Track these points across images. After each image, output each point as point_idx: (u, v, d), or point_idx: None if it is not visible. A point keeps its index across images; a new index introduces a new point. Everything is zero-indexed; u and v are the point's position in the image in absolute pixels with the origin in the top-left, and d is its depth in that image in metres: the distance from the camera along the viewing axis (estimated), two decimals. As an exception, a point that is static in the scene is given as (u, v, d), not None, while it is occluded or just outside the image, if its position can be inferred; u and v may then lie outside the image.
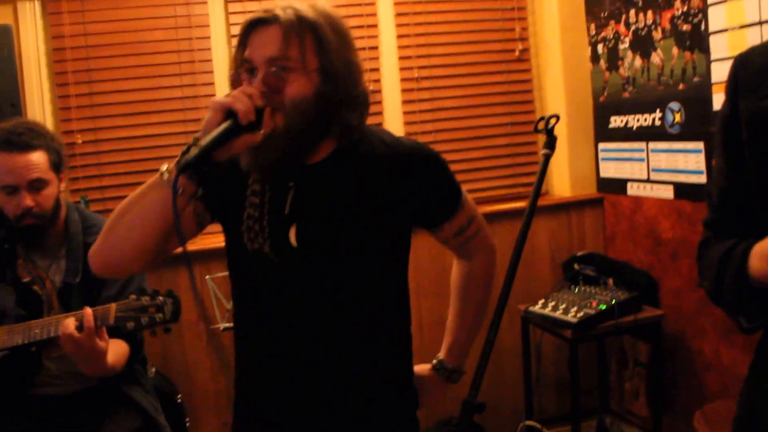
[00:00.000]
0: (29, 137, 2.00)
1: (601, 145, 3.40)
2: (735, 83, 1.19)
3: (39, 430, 2.04)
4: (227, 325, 2.57)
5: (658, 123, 2.99)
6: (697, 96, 2.74)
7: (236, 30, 3.08)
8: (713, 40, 2.62)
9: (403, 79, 3.34)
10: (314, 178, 1.33)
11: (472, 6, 3.41)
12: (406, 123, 3.35)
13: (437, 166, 1.43)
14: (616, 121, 3.27)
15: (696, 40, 2.72)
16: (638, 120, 3.11)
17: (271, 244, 1.32)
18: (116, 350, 1.94)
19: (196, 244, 2.68)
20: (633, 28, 3.09)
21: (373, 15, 3.29)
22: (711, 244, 1.21)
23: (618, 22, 3.18)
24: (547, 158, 1.69)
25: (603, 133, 3.37)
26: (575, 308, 2.83)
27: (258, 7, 3.14)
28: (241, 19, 3.13)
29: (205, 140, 1.15)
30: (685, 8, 2.76)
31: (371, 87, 1.40)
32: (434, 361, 1.60)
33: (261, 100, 1.20)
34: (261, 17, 1.26)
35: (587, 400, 3.31)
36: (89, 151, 3.02)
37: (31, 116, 2.95)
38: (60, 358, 1.97)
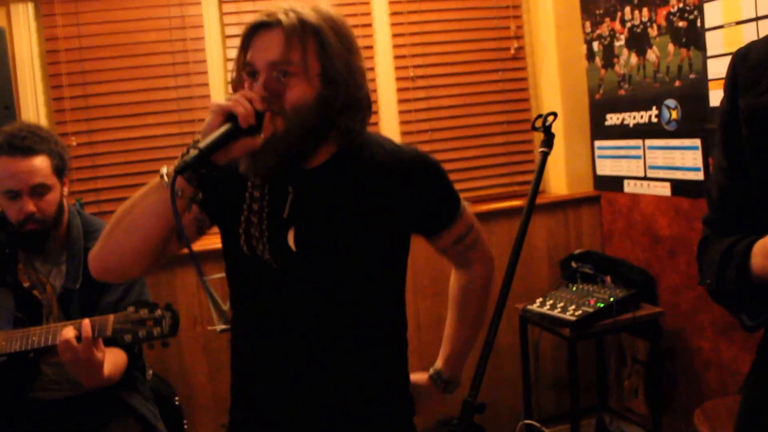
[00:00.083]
0: (32, 141, 1.97)
1: (598, 143, 3.39)
2: (734, 79, 1.18)
3: None
4: (224, 326, 2.56)
5: (654, 120, 2.98)
6: (693, 93, 2.74)
7: (231, 30, 3.12)
8: (709, 37, 2.62)
9: (398, 79, 3.33)
10: (314, 182, 1.33)
11: (467, 4, 3.40)
12: (402, 122, 3.34)
13: (437, 175, 1.43)
14: (612, 119, 3.26)
15: (692, 36, 2.72)
16: (634, 117, 3.11)
17: (269, 248, 1.31)
18: (114, 360, 1.93)
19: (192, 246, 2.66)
20: (628, 25, 3.08)
21: (368, 14, 3.29)
22: (711, 242, 1.20)
23: (613, 19, 3.17)
24: (545, 156, 1.67)
25: (599, 130, 3.37)
26: (573, 306, 2.82)
27: (252, 7, 3.14)
28: (236, 19, 3.13)
29: (204, 142, 1.14)
30: (681, 5, 2.75)
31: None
32: (431, 371, 1.60)
33: (261, 105, 1.20)
34: (264, 21, 1.25)
35: (586, 398, 3.30)
36: (84, 153, 3.00)
37: (25, 119, 2.93)
38: (58, 364, 1.96)
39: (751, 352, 1.90)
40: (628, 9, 3.07)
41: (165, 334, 1.82)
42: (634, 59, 3.08)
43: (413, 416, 1.52)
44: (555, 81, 3.42)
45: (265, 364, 1.39)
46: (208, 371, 3.05)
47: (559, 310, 2.84)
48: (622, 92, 3.18)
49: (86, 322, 1.77)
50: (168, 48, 3.09)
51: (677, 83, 2.83)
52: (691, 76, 2.74)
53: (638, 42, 3.04)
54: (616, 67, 3.19)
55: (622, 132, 3.19)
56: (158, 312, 1.82)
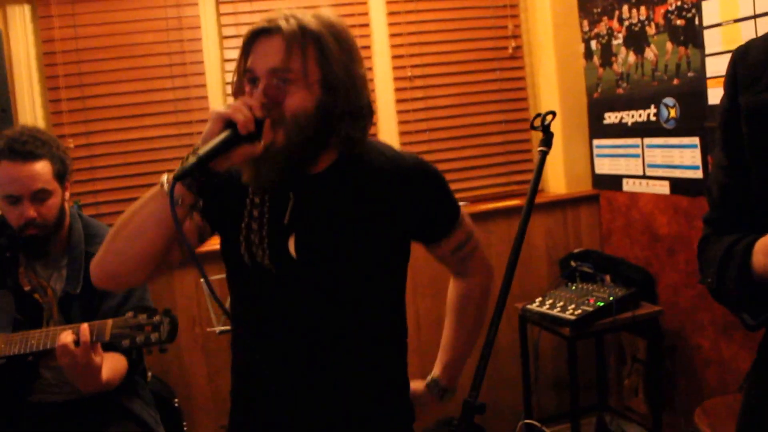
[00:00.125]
0: (33, 146, 1.96)
1: (596, 142, 3.39)
2: (734, 77, 1.18)
3: None
4: (223, 328, 2.56)
5: (653, 119, 2.98)
6: (691, 91, 2.74)
7: (228, 31, 3.11)
8: (707, 35, 2.61)
9: (396, 79, 3.32)
10: (314, 189, 1.33)
11: (464, 4, 3.40)
12: (400, 122, 3.33)
13: (437, 182, 1.42)
14: (610, 118, 3.26)
15: (690, 34, 2.71)
16: (633, 116, 3.10)
17: (270, 254, 1.31)
18: (113, 365, 1.92)
19: (190, 248, 2.66)
20: (626, 23, 3.08)
21: (365, 14, 3.28)
22: (712, 240, 1.20)
23: (611, 18, 3.17)
24: (544, 155, 1.67)
25: (597, 129, 3.37)
26: (573, 306, 2.82)
27: (249, 8, 3.13)
28: (233, 20, 3.13)
29: (203, 150, 1.14)
30: (679, 3, 2.75)
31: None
32: (428, 379, 1.60)
33: (261, 112, 1.19)
34: (264, 27, 1.25)
35: (586, 397, 3.30)
36: (82, 155, 2.99)
37: (22, 121, 2.92)
38: (57, 367, 1.95)
39: (751, 350, 1.89)
40: (625, 7, 3.07)
41: (163, 340, 1.81)
42: (632, 58, 3.07)
43: (413, 422, 1.52)
44: (553, 80, 3.41)
45: (265, 368, 1.39)
46: (207, 373, 3.05)
47: (558, 309, 2.83)
48: (620, 91, 3.17)
49: (84, 326, 1.77)
50: (165, 49, 3.08)
51: (675, 81, 2.83)
52: (690, 74, 2.74)
53: (636, 40, 3.03)
54: (614, 66, 3.19)
55: (621, 131, 3.19)
56: (156, 318, 1.81)
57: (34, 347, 1.86)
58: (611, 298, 2.81)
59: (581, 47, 3.40)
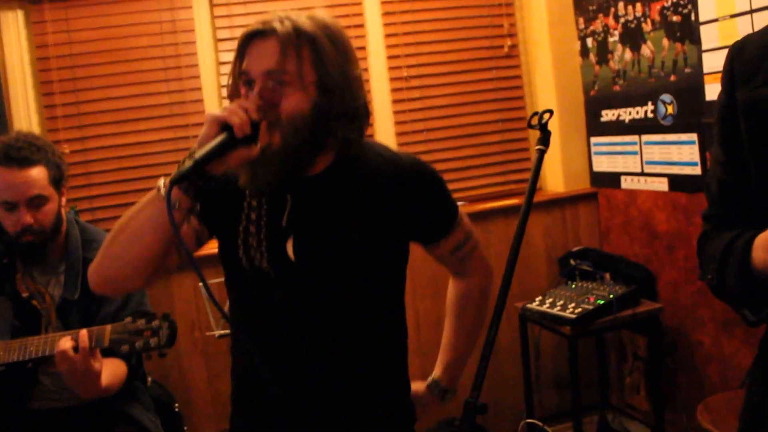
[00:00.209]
0: (29, 152, 1.94)
1: (594, 140, 3.38)
2: (731, 73, 1.17)
3: None
4: (223, 332, 2.54)
5: (650, 115, 2.97)
6: (689, 87, 2.73)
7: (222, 34, 3.10)
8: (704, 31, 2.61)
9: (392, 79, 3.32)
10: (312, 191, 1.32)
11: (460, 3, 3.39)
12: (397, 123, 3.32)
13: (435, 183, 1.42)
14: (607, 115, 3.25)
15: (686, 30, 2.71)
16: (630, 113, 3.10)
17: (268, 257, 1.31)
18: (113, 371, 1.91)
19: (188, 252, 2.65)
20: (622, 20, 3.07)
21: (360, 15, 3.27)
22: (711, 237, 1.19)
23: (607, 15, 3.16)
24: (542, 154, 1.66)
25: (595, 127, 3.36)
26: (573, 304, 2.81)
27: (243, 10, 3.12)
28: (227, 23, 3.12)
29: (200, 153, 1.14)
30: (674, -1, 2.75)
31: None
32: (429, 380, 1.60)
33: (257, 114, 1.19)
34: (258, 29, 1.24)
35: (587, 395, 3.29)
36: (77, 161, 2.98)
37: (17, 126, 2.91)
38: (56, 374, 1.94)
39: (752, 346, 1.87)
40: (621, 4, 3.06)
41: (162, 345, 1.80)
42: (628, 55, 3.07)
43: (414, 423, 1.51)
44: (549, 78, 3.41)
45: (264, 371, 1.38)
46: (206, 377, 3.04)
47: (558, 308, 2.83)
48: (617, 88, 3.16)
49: (83, 332, 1.75)
50: (159, 53, 3.07)
51: (672, 78, 2.82)
52: (687, 70, 2.73)
53: (632, 37, 3.03)
54: (611, 63, 3.18)
55: (618, 128, 3.18)
56: (155, 322, 1.80)
57: (32, 354, 1.85)
58: (611, 296, 2.80)
59: (577, 45, 3.39)
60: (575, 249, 3.28)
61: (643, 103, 3.00)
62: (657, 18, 2.86)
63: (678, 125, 2.82)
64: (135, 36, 3.05)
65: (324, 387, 1.35)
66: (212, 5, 3.12)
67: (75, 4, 2.99)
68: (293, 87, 1.22)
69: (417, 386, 1.59)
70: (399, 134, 3.32)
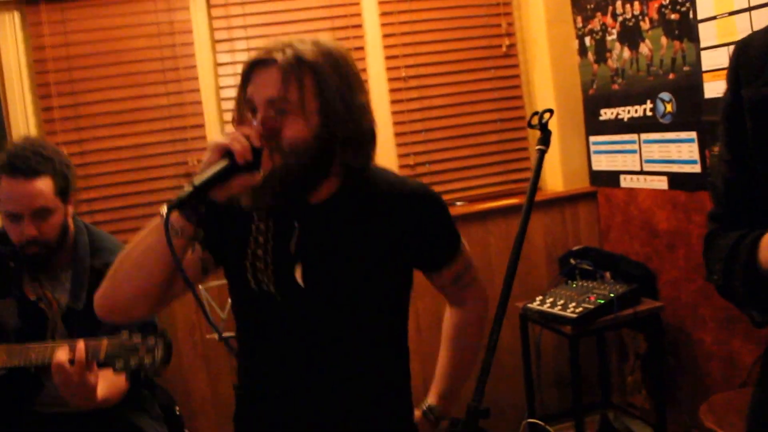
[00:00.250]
0: (35, 162, 1.89)
1: (593, 138, 3.38)
2: (736, 71, 1.16)
3: None
4: (225, 334, 2.53)
5: (649, 114, 2.97)
6: (687, 85, 2.72)
7: (220, 35, 3.10)
8: (702, 28, 2.60)
9: (390, 79, 3.31)
10: (319, 218, 1.33)
11: (457, 3, 3.38)
12: (396, 123, 3.32)
13: (440, 209, 1.43)
14: (606, 114, 3.25)
15: (685, 28, 2.70)
16: (629, 112, 3.09)
17: (276, 282, 1.32)
18: (111, 383, 1.88)
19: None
20: (620, 19, 3.07)
21: (358, 15, 3.26)
22: (717, 237, 1.18)
23: (605, 13, 3.16)
24: (542, 154, 1.65)
25: (594, 126, 3.35)
26: (573, 303, 2.80)
27: (241, 11, 3.11)
28: (225, 23, 3.11)
29: (199, 179, 1.15)
30: (673, -3, 2.74)
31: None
32: (424, 407, 1.60)
33: (259, 141, 1.19)
34: (261, 58, 1.25)
35: (589, 395, 3.29)
36: (76, 163, 2.89)
37: (14, 129, 2.90)
38: None
39: (754, 343, 1.86)
40: (619, 3, 3.05)
41: (157, 364, 1.75)
42: (626, 53, 3.06)
43: None
44: (548, 77, 3.40)
45: (271, 394, 1.39)
46: (207, 379, 3.03)
47: (559, 307, 2.82)
48: (615, 87, 3.16)
49: (81, 345, 1.72)
50: (157, 54, 3.06)
51: (671, 76, 2.81)
52: (685, 68, 2.73)
53: (630, 36, 3.02)
54: (609, 62, 3.18)
55: (617, 127, 3.17)
56: (151, 340, 1.74)
57: (33, 361, 1.82)
58: (612, 295, 2.80)
59: (575, 44, 3.38)
60: (575, 248, 3.27)
61: (642, 102, 3.00)
62: (655, 16, 2.86)
63: (677, 123, 2.82)
64: (132, 37, 3.04)
65: (332, 410, 1.36)
66: (209, 6, 3.11)
67: (72, 6, 2.97)
68: (295, 115, 1.23)
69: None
70: (398, 134, 3.31)
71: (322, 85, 1.24)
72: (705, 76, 2.63)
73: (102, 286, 1.31)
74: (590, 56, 3.30)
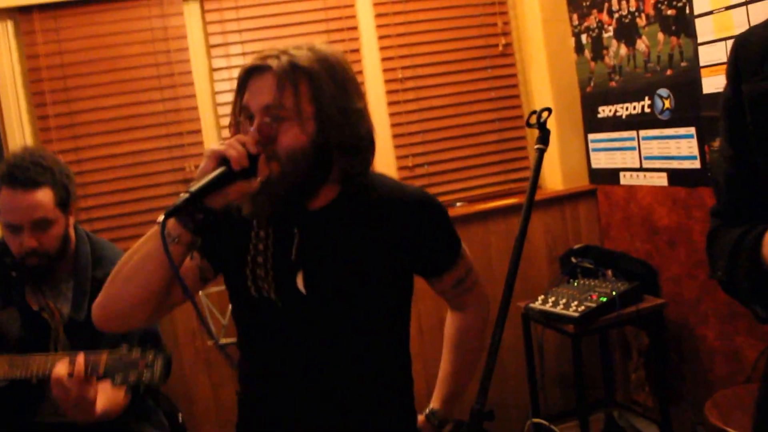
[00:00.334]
0: (35, 173, 1.87)
1: (591, 136, 3.36)
2: (735, 66, 1.15)
3: None
4: (225, 341, 2.52)
5: (647, 110, 2.96)
6: (685, 81, 2.71)
7: (215, 40, 3.08)
8: (699, 23, 2.59)
9: (387, 81, 3.30)
10: (318, 224, 1.33)
11: (452, 3, 3.37)
12: (393, 125, 3.30)
13: (440, 215, 1.43)
14: (604, 111, 3.24)
15: (681, 24, 2.69)
16: (627, 108, 3.08)
17: (276, 289, 1.31)
18: (111, 397, 1.86)
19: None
20: (616, 16, 3.06)
21: (353, 17, 3.25)
22: (720, 233, 1.17)
23: (601, 10, 3.15)
24: (541, 153, 1.64)
25: (592, 123, 3.34)
26: (576, 302, 2.79)
27: (235, 15, 3.10)
28: (219, 28, 3.10)
29: (195, 185, 1.15)
30: (669, -7, 2.73)
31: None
32: (426, 411, 1.59)
33: (255, 148, 1.20)
34: (256, 65, 1.25)
35: (593, 393, 3.28)
36: (72, 172, 2.95)
37: (10, 138, 2.88)
38: None
39: (757, 338, 1.85)
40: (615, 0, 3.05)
41: (155, 381, 1.72)
42: (623, 50, 3.05)
43: None
44: (545, 76, 3.39)
45: (272, 401, 1.39)
46: (209, 385, 3.01)
47: (561, 306, 2.81)
48: (613, 84, 3.15)
49: (80, 359, 1.71)
50: (152, 60, 3.05)
51: (669, 72, 2.80)
52: (683, 64, 2.72)
53: (627, 32, 3.01)
54: (606, 59, 3.17)
55: (616, 124, 3.16)
56: (150, 356, 1.73)
57: (33, 373, 1.81)
58: (614, 293, 2.79)
59: (572, 41, 3.37)
60: (576, 246, 3.26)
61: (640, 98, 2.99)
62: (651, 12, 2.85)
63: (676, 119, 2.81)
64: (127, 44, 3.03)
65: (332, 416, 1.35)
66: (203, 11, 3.10)
67: (65, 14, 2.96)
68: (291, 121, 1.23)
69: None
70: (395, 136, 3.30)
71: (318, 91, 1.24)
72: (703, 71, 2.62)
73: (100, 295, 1.30)
74: (587, 54, 3.29)
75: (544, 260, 3.37)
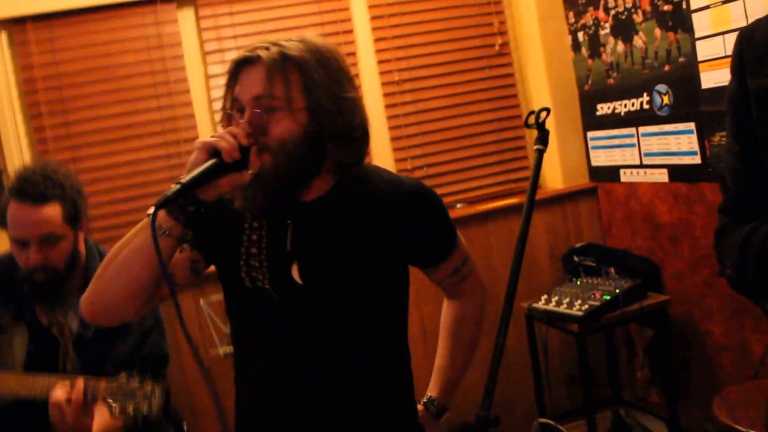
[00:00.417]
0: (44, 187, 1.85)
1: (590, 134, 3.35)
2: (740, 60, 1.14)
3: None
4: (228, 350, 2.51)
5: (646, 107, 2.94)
6: (684, 76, 2.70)
7: (210, 46, 3.07)
8: (696, 18, 2.58)
9: (383, 83, 3.28)
10: (312, 215, 1.31)
11: (448, 3, 3.36)
12: (391, 128, 3.29)
13: (436, 206, 1.41)
14: (603, 109, 3.22)
15: (678, 19, 2.68)
16: (626, 105, 3.07)
17: (271, 280, 1.30)
18: (109, 423, 1.80)
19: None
20: (613, 12, 3.05)
21: (348, 20, 3.24)
22: (729, 230, 1.16)
23: (597, 8, 3.14)
24: (541, 153, 1.63)
25: (591, 121, 3.33)
26: (579, 301, 2.78)
27: (230, 21, 3.09)
28: (214, 35, 3.09)
29: (186, 177, 1.13)
30: (665, -12, 2.72)
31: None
32: (424, 399, 1.58)
33: (246, 140, 1.18)
34: (246, 57, 1.24)
35: (599, 392, 3.26)
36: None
37: (7, 150, 2.87)
38: None
39: (764, 334, 1.83)
40: (611, -4, 3.04)
41: (153, 414, 1.69)
42: (620, 47, 3.04)
43: None
44: (542, 74, 3.38)
45: (268, 395, 1.37)
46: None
47: (565, 306, 2.79)
48: (611, 81, 3.14)
49: (80, 386, 1.68)
50: (147, 68, 3.03)
51: (667, 68, 2.79)
52: (681, 59, 2.70)
53: (624, 29, 3.00)
54: (603, 56, 3.15)
55: (614, 121, 3.15)
56: (148, 388, 1.70)
57: (37, 393, 1.78)
58: (617, 291, 2.77)
59: (568, 39, 3.36)
60: (578, 245, 3.25)
61: (639, 95, 2.98)
62: (648, 8, 2.84)
63: (675, 115, 2.79)
64: (121, 53, 3.02)
65: (329, 408, 1.34)
66: (198, 18, 3.09)
67: (59, 24, 2.95)
68: (282, 112, 1.22)
69: None
70: (393, 139, 3.29)
71: (309, 81, 1.23)
72: (701, 66, 2.61)
73: (88, 289, 1.28)
74: (584, 51, 3.28)
75: (546, 260, 3.36)
